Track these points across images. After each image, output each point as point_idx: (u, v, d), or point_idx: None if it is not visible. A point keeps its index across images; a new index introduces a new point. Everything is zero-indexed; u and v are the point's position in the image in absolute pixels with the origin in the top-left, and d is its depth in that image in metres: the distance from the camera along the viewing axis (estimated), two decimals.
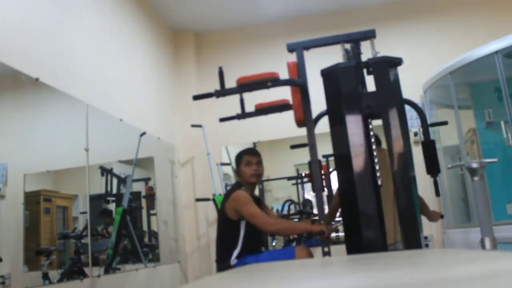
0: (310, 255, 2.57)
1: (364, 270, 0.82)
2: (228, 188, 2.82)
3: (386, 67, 2.15)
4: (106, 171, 3.34)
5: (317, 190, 2.20)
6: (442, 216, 3.34)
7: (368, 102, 2.14)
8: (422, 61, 4.48)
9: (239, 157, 2.86)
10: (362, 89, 2.27)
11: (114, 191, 3.43)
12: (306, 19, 4.92)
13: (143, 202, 3.92)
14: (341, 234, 4.13)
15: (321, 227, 2.35)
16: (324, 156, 4.18)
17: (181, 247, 4.38)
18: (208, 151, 4.41)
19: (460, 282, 0.52)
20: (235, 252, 2.63)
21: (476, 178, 2.62)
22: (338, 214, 3.19)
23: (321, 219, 2.34)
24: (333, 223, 3.21)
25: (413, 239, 2.01)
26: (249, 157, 2.85)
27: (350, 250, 2.08)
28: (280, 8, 4.76)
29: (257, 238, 2.80)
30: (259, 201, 2.88)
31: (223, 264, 2.65)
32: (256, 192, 4.82)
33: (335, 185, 3.77)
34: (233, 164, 2.93)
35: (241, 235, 2.66)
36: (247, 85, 2.18)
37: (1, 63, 2.27)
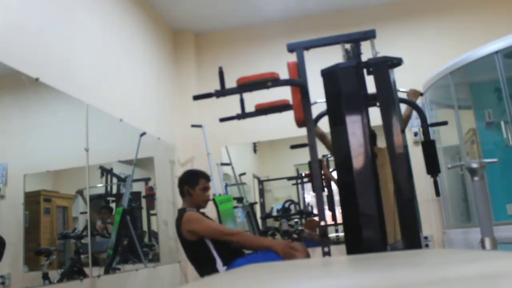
0: (305, 252, 2.56)
1: (364, 270, 0.82)
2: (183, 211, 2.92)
3: (386, 67, 2.15)
4: (106, 171, 3.34)
5: (317, 190, 2.20)
6: (421, 94, 3.27)
7: (368, 102, 2.14)
8: (422, 61, 4.48)
9: (196, 178, 2.88)
10: (362, 89, 2.27)
11: (114, 191, 3.44)
12: (306, 19, 4.92)
13: (143, 202, 3.92)
14: (341, 234, 4.13)
15: (284, 247, 2.38)
16: (324, 156, 4.18)
17: (181, 247, 4.37)
18: (208, 151, 4.40)
19: (460, 282, 0.52)
20: (219, 265, 2.63)
21: (476, 178, 2.62)
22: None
23: (321, 219, 2.33)
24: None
25: (413, 239, 2.01)
26: (206, 182, 2.90)
27: (350, 250, 2.08)
28: (280, 8, 4.76)
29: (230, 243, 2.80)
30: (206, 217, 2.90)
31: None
32: (256, 192, 4.84)
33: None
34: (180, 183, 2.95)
35: (211, 248, 2.67)
36: (247, 85, 2.18)
37: (1, 63, 2.27)
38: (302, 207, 4.76)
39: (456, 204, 4.24)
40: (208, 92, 2.28)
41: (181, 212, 2.81)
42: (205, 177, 2.94)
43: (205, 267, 2.69)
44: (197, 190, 2.85)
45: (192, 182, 2.87)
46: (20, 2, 2.51)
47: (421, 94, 3.26)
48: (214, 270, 2.63)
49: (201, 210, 2.91)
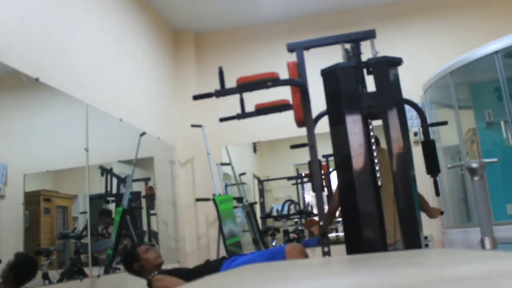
0: (303, 253, 2.55)
1: (364, 270, 0.82)
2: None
3: (386, 67, 2.15)
4: (106, 171, 3.34)
5: (317, 190, 2.20)
6: (442, 213, 3.33)
7: (368, 102, 2.14)
8: (422, 61, 4.48)
9: (133, 253, 2.79)
10: (362, 89, 2.27)
11: (114, 191, 3.43)
12: (306, 19, 4.92)
13: (143, 202, 3.92)
14: (341, 234, 4.13)
15: None
16: (324, 156, 4.18)
17: (181, 247, 4.38)
18: (208, 151, 4.41)
19: (460, 282, 0.52)
20: None
21: (476, 178, 2.62)
22: (338, 214, 3.18)
23: (321, 219, 2.34)
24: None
25: (413, 239, 2.01)
26: (143, 246, 2.83)
27: (350, 250, 2.08)
28: (280, 8, 4.76)
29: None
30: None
31: None
32: (256, 192, 4.84)
33: (335, 185, 3.77)
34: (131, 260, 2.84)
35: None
36: (247, 85, 2.18)
37: (1, 63, 2.27)
38: (302, 207, 4.76)
39: (456, 204, 4.24)
40: (208, 92, 2.28)
41: (149, 282, 2.72)
42: (138, 245, 2.89)
43: None
44: (143, 256, 2.76)
45: (133, 258, 2.78)
46: (21, 3, 2.51)
47: (442, 213, 3.32)
48: None
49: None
